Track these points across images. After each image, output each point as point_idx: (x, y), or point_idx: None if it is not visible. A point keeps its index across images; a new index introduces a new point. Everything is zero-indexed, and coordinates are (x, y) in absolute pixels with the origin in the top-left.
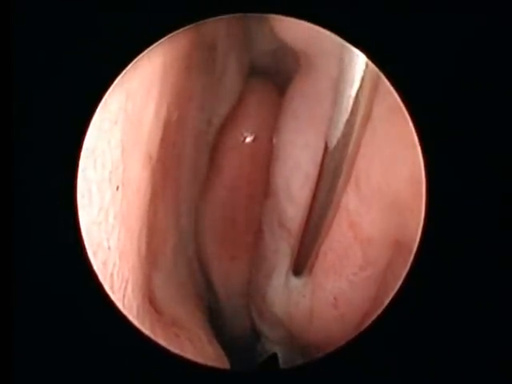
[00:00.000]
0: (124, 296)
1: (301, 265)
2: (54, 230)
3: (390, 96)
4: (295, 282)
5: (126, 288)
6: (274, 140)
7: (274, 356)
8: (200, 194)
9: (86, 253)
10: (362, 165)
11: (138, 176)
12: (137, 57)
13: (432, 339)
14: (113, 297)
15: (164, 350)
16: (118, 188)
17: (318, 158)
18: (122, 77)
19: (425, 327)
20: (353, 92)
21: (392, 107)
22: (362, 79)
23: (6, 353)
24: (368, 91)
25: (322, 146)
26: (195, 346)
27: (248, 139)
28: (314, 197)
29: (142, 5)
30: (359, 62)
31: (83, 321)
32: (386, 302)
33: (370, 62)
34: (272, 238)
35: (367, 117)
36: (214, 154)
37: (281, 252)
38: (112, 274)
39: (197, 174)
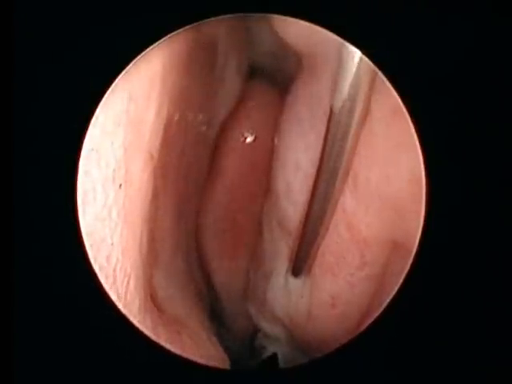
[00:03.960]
0: (126, 291)
1: (299, 265)
2: (55, 230)
3: (389, 96)
4: (294, 282)
5: (128, 283)
6: (276, 141)
7: (274, 355)
8: (200, 194)
9: (87, 252)
10: (360, 166)
11: (140, 175)
12: (137, 56)
13: (431, 339)
14: (115, 294)
15: (164, 350)
16: (120, 186)
17: (317, 158)
18: (124, 77)
19: (424, 327)
20: (349, 87)
21: (392, 108)
22: (359, 75)
23: (6, 354)
24: (365, 87)
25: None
26: (196, 342)
27: (248, 139)
28: (312, 196)
29: (142, 5)
30: (356, 57)
31: (83, 320)
32: (385, 301)
33: (364, 58)
34: (271, 238)
35: (365, 114)
36: (215, 154)
37: (280, 253)
38: (115, 270)
39: (197, 174)
